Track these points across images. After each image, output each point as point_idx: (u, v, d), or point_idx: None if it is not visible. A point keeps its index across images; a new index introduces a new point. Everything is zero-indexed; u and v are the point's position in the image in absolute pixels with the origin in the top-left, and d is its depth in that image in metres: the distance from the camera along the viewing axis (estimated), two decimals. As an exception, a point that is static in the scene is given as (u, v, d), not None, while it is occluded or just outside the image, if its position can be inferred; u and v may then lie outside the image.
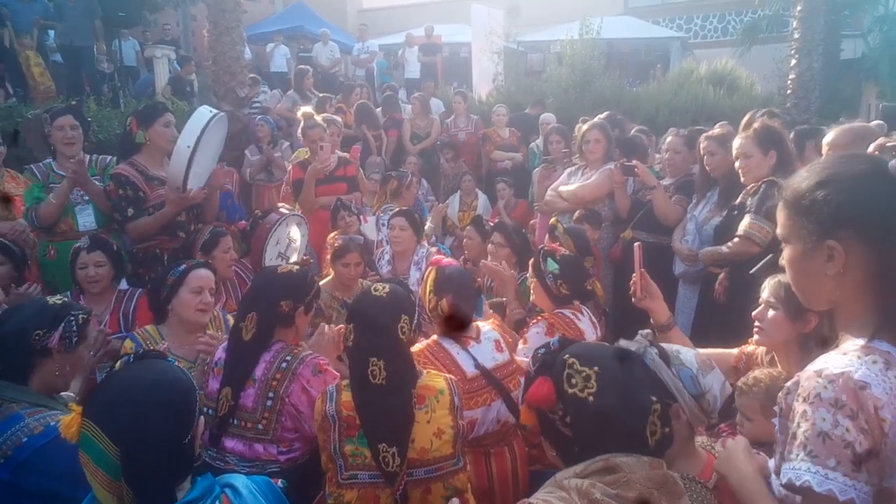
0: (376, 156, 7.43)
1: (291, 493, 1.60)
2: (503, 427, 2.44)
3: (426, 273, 2.61)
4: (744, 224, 3.22)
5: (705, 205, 3.84)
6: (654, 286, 2.24)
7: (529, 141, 7.29)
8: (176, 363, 1.48)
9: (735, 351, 2.31)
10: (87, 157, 3.87)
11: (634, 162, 4.16)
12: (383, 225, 4.42)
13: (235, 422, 2.19)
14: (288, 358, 2.23)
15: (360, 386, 1.95)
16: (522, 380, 1.94)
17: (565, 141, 5.59)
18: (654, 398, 1.24)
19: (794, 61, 8.53)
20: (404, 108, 8.65)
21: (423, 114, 7.98)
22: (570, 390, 1.24)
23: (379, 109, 8.18)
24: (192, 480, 1.38)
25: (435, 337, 2.47)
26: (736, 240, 3.26)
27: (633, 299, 2.27)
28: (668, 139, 4.39)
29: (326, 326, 2.58)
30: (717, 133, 3.84)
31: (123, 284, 3.34)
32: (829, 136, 3.11)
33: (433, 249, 4.19)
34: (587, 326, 2.78)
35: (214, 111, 3.49)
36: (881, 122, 5.14)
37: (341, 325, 2.28)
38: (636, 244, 2.31)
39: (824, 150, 3.11)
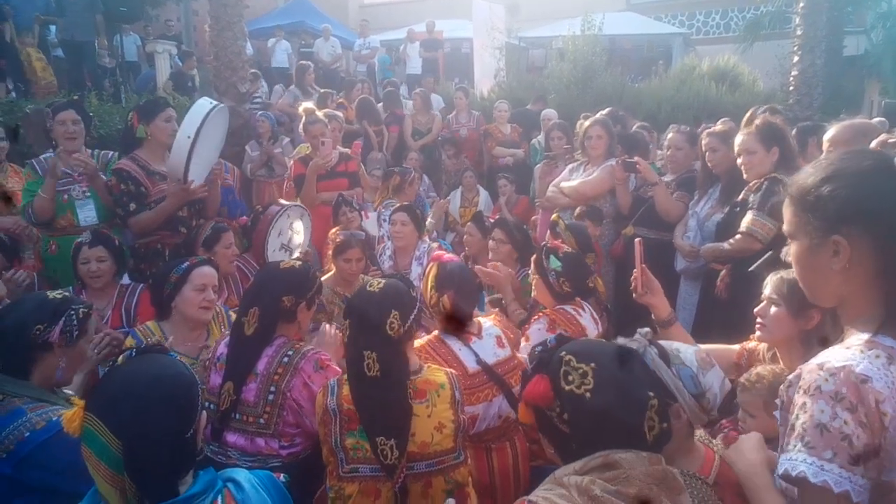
0: (377, 151, 7.41)
1: (293, 488, 1.61)
2: (505, 423, 2.45)
3: (427, 269, 2.61)
4: (746, 220, 3.22)
5: (707, 201, 3.84)
6: (655, 282, 2.24)
7: (531, 137, 7.29)
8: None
9: (737, 347, 2.31)
10: (89, 151, 3.86)
11: (636, 158, 4.16)
12: (385, 220, 4.42)
13: (237, 416, 2.19)
14: (290, 353, 2.24)
15: (356, 379, 1.96)
16: (523, 376, 1.95)
17: (567, 137, 5.59)
18: (651, 393, 1.24)
19: (796, 58, 8.49)
20: (405, 103, 8.65)
21: (424, 110, 7.96)
22: (567, 387, 1.24)
23: (380, 105, 8.17)
24: (195, 475, 1.39)
25: (437, 332, 2.47)
26: (738, 236, 3.26)
27: (634, 295, 2.27)
28: (670, 135, 4.37)
29: (328, 326, 2.59)
30: (719, 129, 3.84)
31: (125, 279, 3.34)
32: (830, 132, 3.10)
33: (434, 245, 4.19)
34: (589, 322, 2.78)
35: (215, 102, 3.46)
36: (883, 118, 5.14)
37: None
38: (637, 240, 2.30)
39: (825, 146, 3.10)
